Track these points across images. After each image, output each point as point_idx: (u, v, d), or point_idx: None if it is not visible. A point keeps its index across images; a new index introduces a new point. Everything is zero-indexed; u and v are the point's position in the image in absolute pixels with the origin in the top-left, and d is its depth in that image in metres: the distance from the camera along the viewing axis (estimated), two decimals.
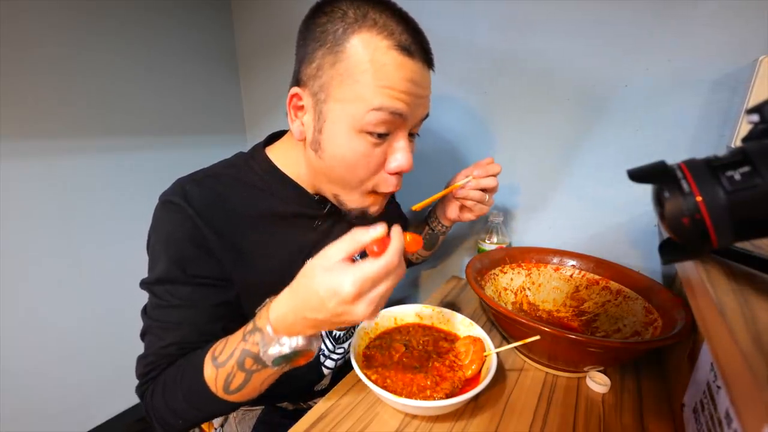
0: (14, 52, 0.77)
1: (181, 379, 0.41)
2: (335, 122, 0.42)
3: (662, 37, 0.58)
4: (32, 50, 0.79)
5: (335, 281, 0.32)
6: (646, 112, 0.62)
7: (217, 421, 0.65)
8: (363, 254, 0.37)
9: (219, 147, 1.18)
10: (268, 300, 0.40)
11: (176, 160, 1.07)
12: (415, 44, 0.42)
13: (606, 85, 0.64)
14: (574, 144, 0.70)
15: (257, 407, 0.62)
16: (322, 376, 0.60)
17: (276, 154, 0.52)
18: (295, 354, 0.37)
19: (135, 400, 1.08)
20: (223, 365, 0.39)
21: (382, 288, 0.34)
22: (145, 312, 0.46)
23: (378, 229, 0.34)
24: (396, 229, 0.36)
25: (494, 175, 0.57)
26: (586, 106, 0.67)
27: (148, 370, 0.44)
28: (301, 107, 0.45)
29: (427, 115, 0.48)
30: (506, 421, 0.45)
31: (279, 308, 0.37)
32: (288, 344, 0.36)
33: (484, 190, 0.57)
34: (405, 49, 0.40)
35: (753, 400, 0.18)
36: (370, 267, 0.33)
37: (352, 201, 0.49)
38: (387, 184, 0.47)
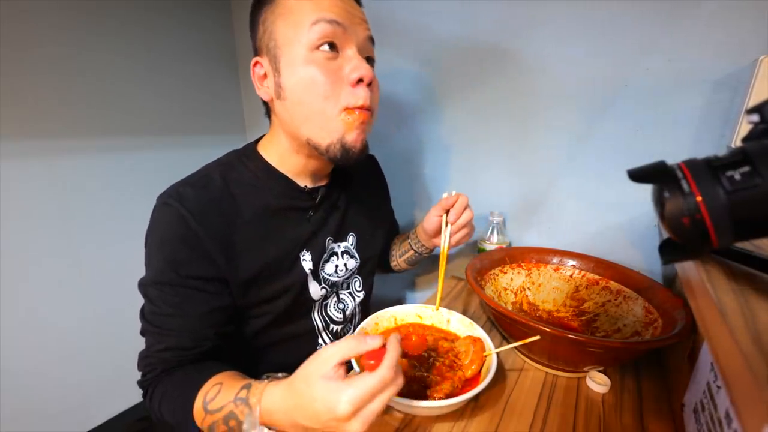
0: (14, 52, 0.77)
1: (174, 401, 0.44)
2: (287, 55, 0.46)
3: (662, 37, 0.58)
4: (32, 50, 0.79)
5: (332, 398, 0.33)
6: (646, 112, 0.62)
7: None
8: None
9: (219, 147, 1.16)
10: (265, 377, 0.41)
11: (176, 160, 1.07)
12: None
13: (606, 85, 0.64)
14: (574, 144, 0.70)
15: None
16: None
17: (265, 148, 0.54)
18: None
19: (135, 400, 1.09)
20: (212, 413, 0.41)
21: (377, 404, 0.33)
22: (143, 314, 0.48)
23: (375, 341, 0.35)
24: (392, 340, 0.36)
25: (466, 208, 0.59)
26: (586, 105, 0.67)
27: (148, 371, 0.47)
28: (264, 75, 0.49)
29: (372, 40, 0.50)
30: (506, 421, 0.45)
31: (272, 401, 0.38)
32: None
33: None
34: None
35: (753, 400, 0.18)
36: (366, 383, 0.33)
37: (327, 134, 0.47)
38: (355, 96, 0.46)
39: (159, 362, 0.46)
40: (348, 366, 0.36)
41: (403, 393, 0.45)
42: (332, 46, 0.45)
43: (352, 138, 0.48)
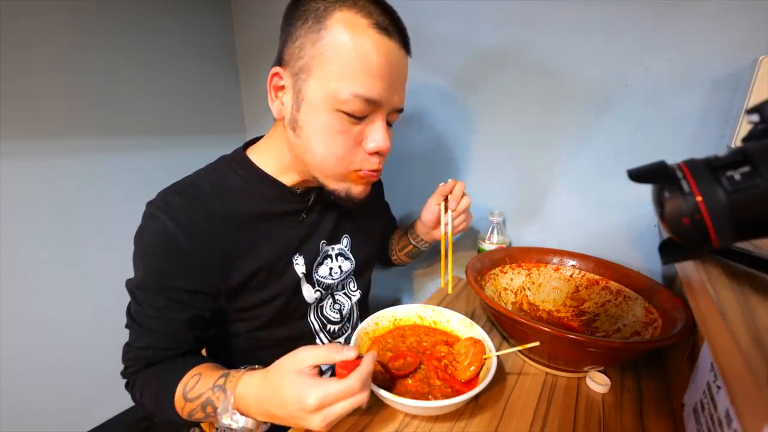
0: (14, 52, 0.77)
1: (156, 392, 0.47)
2: (313, 100, 0.43)
3: (662, 37, 0.58)
4: (32, 50, 0.79)
5: (301, 391, 0.36)
6: (646, 112, 0.62)
7: None
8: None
9: (219, 147, 1.17)
10: (243, 368, 0.44)
11: (176, 160, 1.07)
12: (392, 25, 0.44)
13: (606, 85, 0.64)
14: (574, 143, 0.70)
15: None
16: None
17: (257, 153, 0.53)
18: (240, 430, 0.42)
19: None
20: (191, 401, 0.44)
21: (339, 408, 0.37)
22: (128, 310, 0.49)
23: (350, 353, 0.39)
24: (368, 357, 0.39)
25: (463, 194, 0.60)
26: (586, 105, 0.67)
27: (130, 364, 0.49)
28: (282, 87, 0.46)
29: (401, 110, 0.49)
30: (506, 421, 0.45)
31: (246, 388, 0.41)
32: (238, 423, 0.41)
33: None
34: (383, 29, 0.42)
35: (753, 400, 0.18)
36: (334, 387, 0.36)
37: (335, 182, 0.49)
38: (369, 162, 0.48)
39: (140, 358, 0.48)
40: (319, 369, 0.40)
41: (404, 393, 0.45)
42: (360, 116, 0.44)
43: (359, 191, 0.51)
